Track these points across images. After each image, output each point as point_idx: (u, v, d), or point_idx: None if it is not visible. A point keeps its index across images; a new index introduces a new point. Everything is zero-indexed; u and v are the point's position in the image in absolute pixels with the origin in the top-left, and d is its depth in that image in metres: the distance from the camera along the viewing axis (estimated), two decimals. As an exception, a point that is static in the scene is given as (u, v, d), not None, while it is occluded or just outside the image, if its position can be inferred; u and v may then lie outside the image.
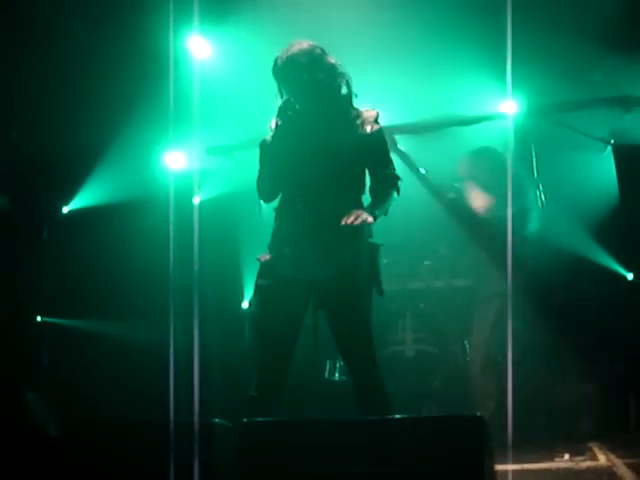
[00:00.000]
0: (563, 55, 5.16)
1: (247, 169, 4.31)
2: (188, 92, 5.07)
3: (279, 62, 3.53)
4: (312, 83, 3.49)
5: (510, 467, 4.13)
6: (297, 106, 3.53)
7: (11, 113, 5.09)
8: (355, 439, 2.84)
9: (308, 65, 3.48)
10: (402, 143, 5.39)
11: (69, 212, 5.82)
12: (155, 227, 5.11)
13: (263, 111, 3.77)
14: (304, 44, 3.54)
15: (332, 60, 3.57)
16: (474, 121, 5.44)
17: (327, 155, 3.54)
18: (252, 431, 2.87)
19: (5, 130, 4.47)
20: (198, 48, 5.42)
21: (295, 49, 3.51)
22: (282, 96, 3.55)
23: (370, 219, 3.43)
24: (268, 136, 3.59)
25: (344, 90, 3.58)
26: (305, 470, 2.80)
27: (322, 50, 3.56)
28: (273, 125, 3.60)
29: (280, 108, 3.57)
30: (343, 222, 3.39)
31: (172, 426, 2.68)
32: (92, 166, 5.66)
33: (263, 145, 3.60)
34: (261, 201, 3.73)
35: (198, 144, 5.42)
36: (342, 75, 3.58)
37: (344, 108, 3.59)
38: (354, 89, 3.61)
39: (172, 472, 2.56)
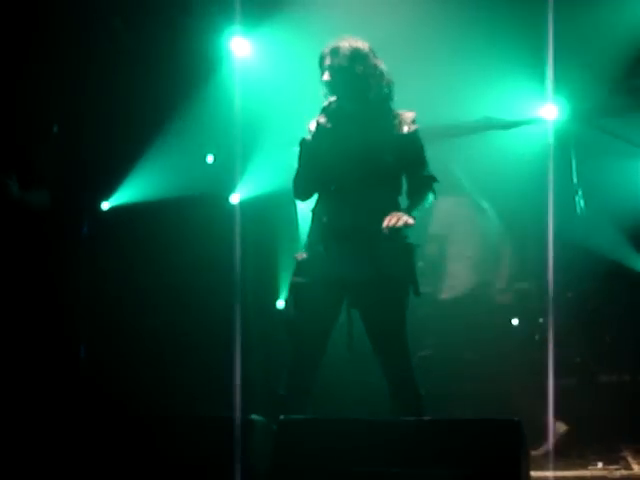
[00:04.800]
0: (605, 59, 5.11)
1: (286, 168, 4.33)
2: (229, 92, 5.11)
3: (325, 50, 3.60)
4: (350, 74, 3.53)
5: (543, 474, 4.12)
6: (335, 98, 3.56)
7: (52, 107, 5.16)
8: (391, 439, 2.86)
9: (350, 57, 3.54)
10: (439, 146, 5.37)
11: (109, 208, 5.87)
12: (194, 225, 5.16)
13: (303, 111, 3.80)
14: (354, 41, 3.60)
15: (378, 62, 3.62)
16: (513, 125, 5.42)
17: (364, 155, 3.56)
18: (289, 428, 2.89)
19: (46, 124, 4.54)
20: (240, 49, 5.46)
21: (343, 42, 3.59)
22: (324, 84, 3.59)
23: (411, 221, 3.45)
24: (309, 135, 3.61)
25: (384, 91, 3.61)
26: (340, 468, 2.82)
27: (370, 51, 3.61)
28: (312, 126, 3.63)
29: (323, 108, 3.60)
30: (385, 224, 3.42)
31: (211, 421, 2.71)
32: (133, 163, 5.71)
33: (303, 143, 3.63)
34: (297, 201, 3.75)
35: (237, 143, 5.46)
36: (384, 78, 3.62)
37: (382, 108, 3.62)
38: (394, 95, 3.64)
39: (210, 466, 2.59)
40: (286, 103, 5.22)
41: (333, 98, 3.58)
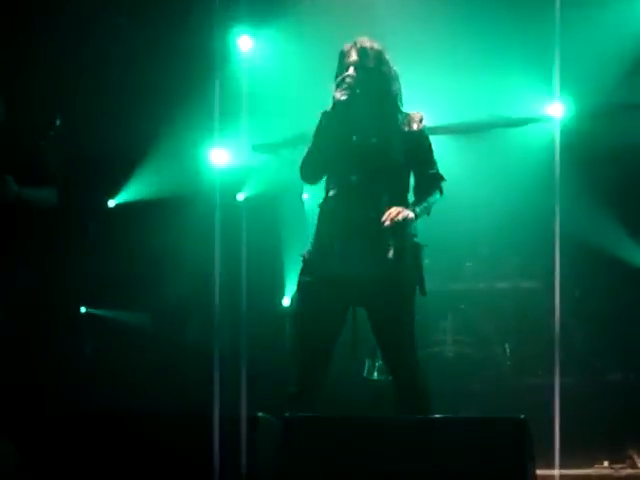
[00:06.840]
0: (614, 55, 5.10)
1: (292, 166, 4.33)
2: (235, 89, 5.11)
3: (348, 47, 3.65)
4: (376, 73, 3.60)
5: (549, 472, 4.12)
6: (350, 73, 3.57)
7: (56, 104, 5.16)
8: (396, 437, 2.85)
9: (377, 57, 3.62)
10: (446, 144, 5.36)
11: (115, 206, 5.88)
12: (200, 223, 5.16)
13: (309, 109, 3.79)
14: (376, 41, 3.67)
15: (394, 67, 3.69)
16: (520, 123, 5.40)
17: (374, 152, 3.59)
18: (295, 426, 2.89)
19: (49, 121, 4.56)
20: (246, 46, 5.46)
21: (368, 41, 3.65)
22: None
23: (411, 215, 3.48)
24: (328, 108, 3.58)
25: (397, 91, 3.68)
26: (345, 466, 2.82)
27: (388, 57, 3.68)
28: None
29: (338, 83, 3.57)
30: (384, 219, 3.44)
31: (217, 419, 2.71)
32: (139, 160, 5.72)
33: (324, 115, 3.59)
34: (304, 186, 3.75)
35: (244, 141, 5.46)
36: (398, 79, 3.69)
37: (393, 107, 3.67)
38: (403, 100, 3.70)
39: (217, 464, 2.59)
40: (293, 100, 5.22)
41: (348, 72, 3.57)
